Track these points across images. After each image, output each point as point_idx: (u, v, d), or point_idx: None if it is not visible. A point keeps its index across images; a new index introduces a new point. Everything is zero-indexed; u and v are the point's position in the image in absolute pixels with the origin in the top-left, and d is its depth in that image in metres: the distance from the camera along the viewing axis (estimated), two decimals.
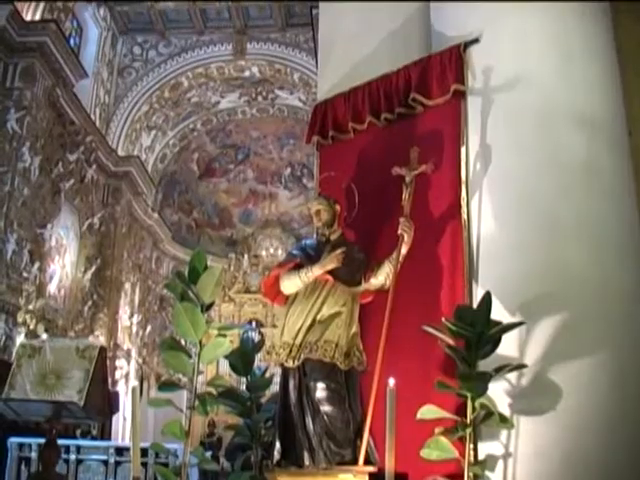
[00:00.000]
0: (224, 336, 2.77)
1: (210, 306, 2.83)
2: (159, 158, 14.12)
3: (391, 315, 2.91)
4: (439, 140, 3.41)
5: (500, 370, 2.65)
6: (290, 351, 3.00)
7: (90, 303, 11.32)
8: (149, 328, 13.68)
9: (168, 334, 13.59)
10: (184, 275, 2.80)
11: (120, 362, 11.98)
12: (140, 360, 12.99)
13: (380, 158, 3.62)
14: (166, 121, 13.57)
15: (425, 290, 3.24)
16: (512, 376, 2.85)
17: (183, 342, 2.96)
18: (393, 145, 3.61)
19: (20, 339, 8.47)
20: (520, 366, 2.75)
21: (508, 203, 3.15)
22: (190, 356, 2.75)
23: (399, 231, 3.06)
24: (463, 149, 3.32)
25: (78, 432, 8.19)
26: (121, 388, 11.59)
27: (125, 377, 12.04)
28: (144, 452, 5.10)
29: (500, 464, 2.79)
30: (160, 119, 13.46)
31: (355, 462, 2.77)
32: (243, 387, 3.35)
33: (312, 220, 3.42)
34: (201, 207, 15.70)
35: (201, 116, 14.11)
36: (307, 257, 3.21)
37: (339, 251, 3.07)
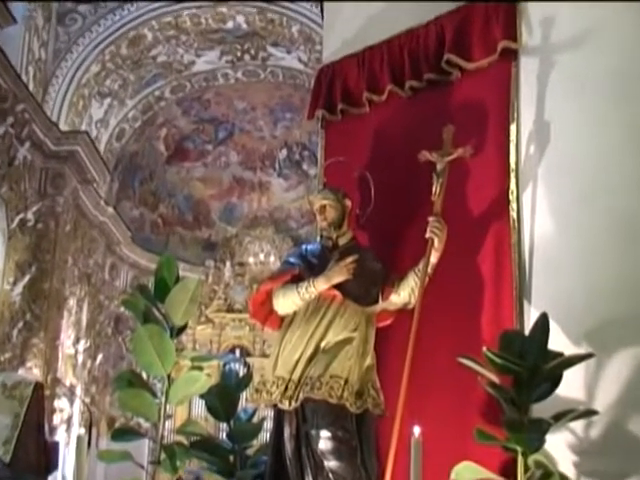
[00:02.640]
0: (199, 369, 2.79)
1: (182, 329, 2.86)
2: (115, 135, 14.13)
3: (417, 343, 2.94)
4: (481, 116, 3.44)
5: (561, 417, 2.66)
6: (286, 389, 3.03)
7: (21, 325, 11.32)
8: (100, 358, 13.70)
9: (126, 366, 13.59)
10: (148, 289, 2.83)
11: (61, 402, 11.99)
12: (87, 400, 13.02)
13: (404, 139, 3.65)
14: (124, 86, 13.58)
15: (461, 310, 3.27)
16: (578, 425, 2.86)
17: (146, 376, 2.98)
18: (421, 122, 3.64)
19: None
20: (589, 412, 2.75)
21: (571, 198, 3.18)
22: (155, 395, 2.78)
23: (428, 234, 3.09)
24: (513, 127, 3.35)
25: None
26: (62, 437, 11.60)
27: (67, 422, 12.06)
28: None
29: None
30: (116, 84, 13.48)
31: None
32: (224, 436, 3.37)
33: (315, 219, 3.45)
34: (170, 200, 15.71)
35: (170, 81, 14.11)
36: (308, 267, 3.24)
37: (349, 259, 3.10)
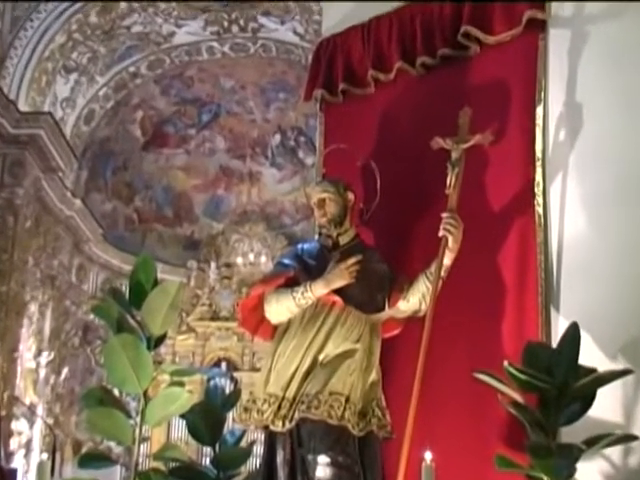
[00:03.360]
0: (180, 385, 2.80)
1: (161, 340, 2.87)
2: (83, 117, 14.10)
3: (428, 356, 2.95)
4: (502, 97, 3.46)
5: (594, 443, 2.66)
6: (279, 408, 3.05)
7: None
8: (65, 372, 13.68)
9: (95, 382, 13.59)
10: (122, 293, 2.84)
11: (19, 424, 11.98)
12: (50, 421, 13.01)
13: (414, 124, 3.67)
14: (94, 61, 13.53)
15: (479, 319, 3.29)
16: (613, 452, 2.86)
17: (118, 394, 2.99)
18: (434, 104, 3.65)
19: None
20: (626, 438, 2.74)
21: (606, 191, 3.19)
22: (129, 415, 2.78)
23: (441, 232, 3.11)
24: (539, 110, 3.37)
25: None
26: (20, 464, 11.59)
27: (26, 447, 12.05)
28: None
29: None
30: (84, 57, 13.42)
31: None
32: (207, 461, 3.38)
33: (312, 214, 3.46)
34: (147, 192, 15.69)
35: (147, 55, 14.06)
36: (305, 269, 3.26)
37: (352, 260, 3.12)
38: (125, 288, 2.87)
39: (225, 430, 3.34)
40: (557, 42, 3.40)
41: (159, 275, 2.97)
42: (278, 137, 15.98)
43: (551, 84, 3.38)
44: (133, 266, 2.92)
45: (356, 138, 3.76)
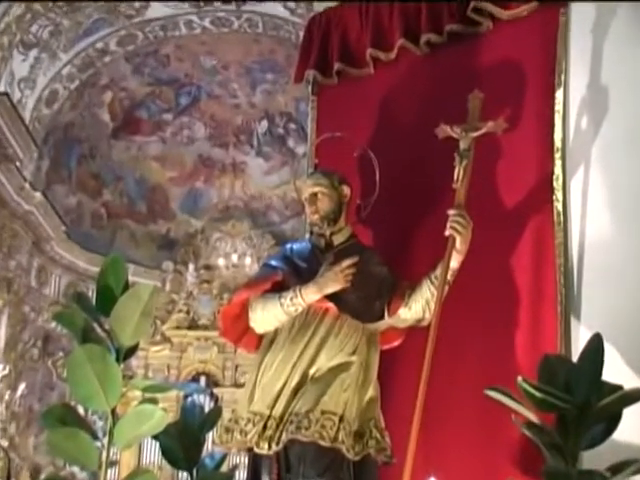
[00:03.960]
0: (153, 402, 2.79)
1: (132, 351, 2.86)
2: (44, 99, 14.06)
3: (432, 370, 2.96)
4: (518, 79, 3.47)
5: (620, 470, 2.65)
6: (264, 428, 3.05)
7: None
8: (23, 388, 13.65)
9: (57, 398, 13.56)
10: (88, 299, 2.84)
11: None
12: (5, 443, 12.98)
13: (418, 109, 3.68)
14: (56, 35, 13.48)
15: (489, 329, 3.31)
16: None
17: (83, 412, 2.99)
18: (440, 87, 3.66)
19: None
20: None
21: (635, 186, 3.19)
22: (95, 436, 2.78)
23: (447, 231, 3.11)
24: (559, 93, 3.38)
25: None
26: None
27: None
28: None
29: None
30: (45, 31, 13.37)
31: None
32: None
33: (303, 210, 3.47)
34: (117, 184, 15.65)
35: (117, 29, 14.02)
36: (295, 272, 3.27)
37: (347, 262, 3.12)
38: (91, 293, 2.87)
39: (204, 453, 3.34)
40: (580, 18, 3.41)
41: (130, 278, 2.96)
42: (265, 123, 15.95)
43: (572, 65, 3.39)
44: (101, 268, 2.91)
45: (353, 125, 3.76)
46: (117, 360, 2.76)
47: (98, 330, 2.78)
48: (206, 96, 15.77)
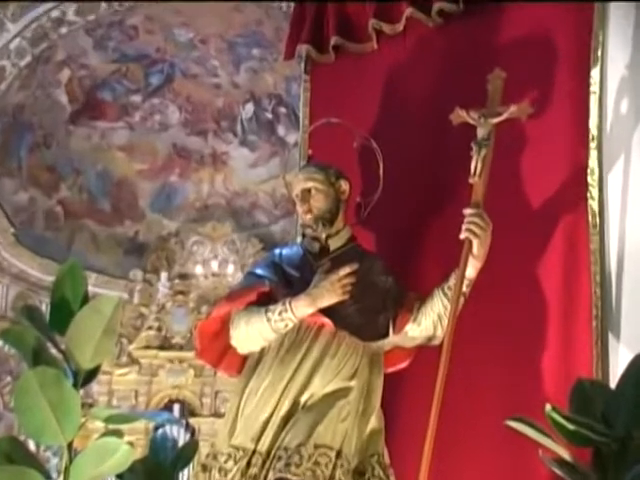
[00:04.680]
0: (118, 435, 2.79)
1: (93, 375, 2.86)
2: None
3: (445, 397, 2.95)
4: (546, 55, 3.47)
5: None
6: (248, 465, 3.04)
7: None
8: None
9: (3, 430, 13.52)
10: (41, 313, 2.83)
11: None
12: None
13: (428, 90, 3.68)
14: (2, 2, 13.50)
15: (512, 349, 3.30)
16: None
17: (34, 447, 2.99)
18: (454, 65, 3.66)
19: None
20: None
21: None
22: (48, 475, 2.78)
23: (463, 234, 3.11)
24: (595, 72, 3.38)
25: None
26: None
27: None
28: None
29: None
30: None
31: None
32: None
33: (295, 209, 3.47)
34: (76, 178, 15.62)
35: None
36: (284, 281, 3.27)
37: (345, 270, 3.12)
38: (45, 306, 2.87)
39: None
40: None
41: (91, 289, 2.96)
42: (250, 107, 15.92)
43: (611, 38, 3.39)
44: (56, 277, 2.92)
45: (352, 109, 3.76)
46: (75, 386, 2.76)
47: (52, 350, 2.78)
48: (181, 75, 15.72)
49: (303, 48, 4.02)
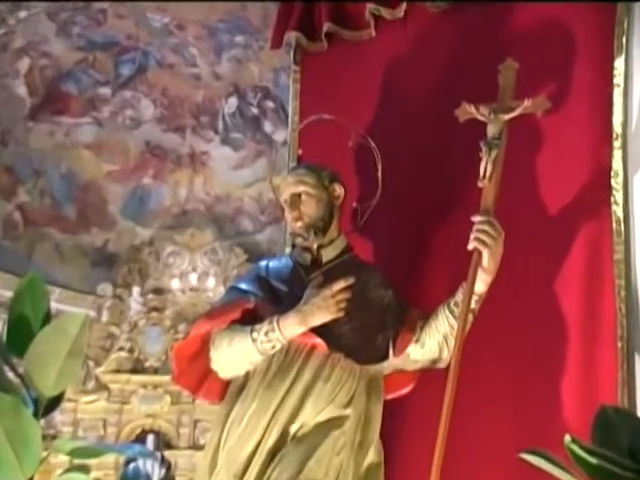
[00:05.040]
0: (84, 470, 2.80)
1: (56, 403, 2.86)
2: None
3: (452, 426, 2.95)
4: (565, 44, 3.48)
5: None
6: None
7: None
8: None
9: None
10: None
11: None
12: None
13: (432, 83, 3.69)
14: None
15: (527, 373, 3.30)
16: None
17: None
18: (462, 54, 3.68)
19: None
20: None
21: None
22: None
23: (472, 244, 3.11)
24: (619, 62, 3.40)
25: None
26: None
27: None
28: None
29: None
30: None
31: None
32: None
33: (284, 216, 3.47)
34: (36, 181, 15.59)
35: None
36: (272, 297, 3.28)
37: (340, 285, 3.12)
38: (1, 325, 2.88)
39: None
40: None
41: (54, 305, 2.96)
42: (234, 101, 15.91)
43: (637, 26, 3.41)
44: (14, 292, 2.92)
45: (347, 104, 3.77)
46: (35, 415, 2.76)
47: (10, 375, 2.78)
48: (155, 65, 15.72)
49: (292, 35, 4.04)
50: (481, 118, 3.24)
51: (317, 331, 3.12)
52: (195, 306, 14.28)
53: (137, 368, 14.77)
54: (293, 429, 3.09)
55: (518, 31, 3.60)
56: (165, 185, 15.96)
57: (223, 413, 3.22)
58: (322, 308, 3.10)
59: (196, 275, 15.34)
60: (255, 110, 15.68)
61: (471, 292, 3.10)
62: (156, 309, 15.16)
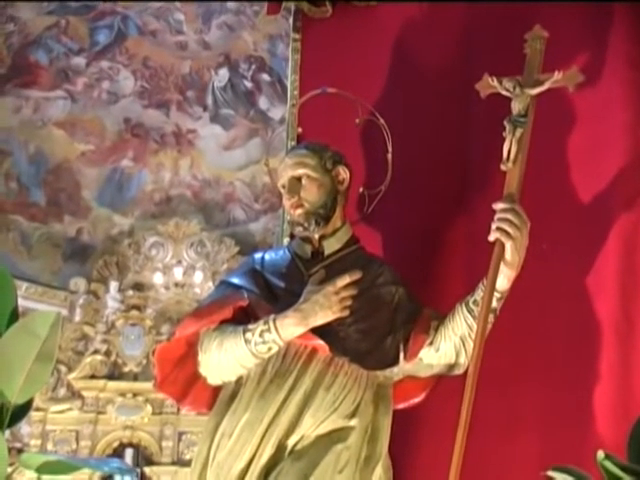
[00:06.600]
0: None
1: (23, 412, 2.87)
2: None
3: (470, 440, 2.94)
4: (598, 11, 3.48)
5: None
6: None
7: None
8: None
9: None
10: None
11: None
12: None
13: (449, 54, 3.69)
14: None
15: (554, 379, 3.31)
16: None
17: None
18: (483, 22, 3.69)
19: None
20: None
21: None
22: None
23: (493, 235, 3.10)
24: None
25: None
26: None
27: None
28: None
29: None
30: None
31: None
32: None
33: (282, 203, 3.48)
34: (1, 162, 15.63)
35: None
36: (267, 294, 3.28)
37: (344, 281, 3.13)
38: None
39: None
40: None
41: (21, 303, 2.96)
42: (225, 73, 15.90)
43: None
44: None
45: (354, 77, 3.77)
46: (0, 427, 2.77)
47: None
48: (136, 32, 15.72)
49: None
50: (505, 93, 3.20)
51: (318, 332, 3.12)
52: (180, 304, 14.29)
53: (114, 374, 14.77)
54: (291, 442, 3.08)
55: None
56: (146, 168, 15.93)
57: (212, 424, 3.21)
58: (324, 306, 3.10)
59: (181, 269, 15.33)
60: (249, 84, 15.65)
61: (492, 289, 3.08)
62: (136, 307, 15.14)
